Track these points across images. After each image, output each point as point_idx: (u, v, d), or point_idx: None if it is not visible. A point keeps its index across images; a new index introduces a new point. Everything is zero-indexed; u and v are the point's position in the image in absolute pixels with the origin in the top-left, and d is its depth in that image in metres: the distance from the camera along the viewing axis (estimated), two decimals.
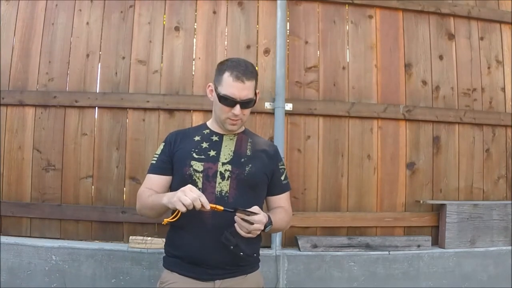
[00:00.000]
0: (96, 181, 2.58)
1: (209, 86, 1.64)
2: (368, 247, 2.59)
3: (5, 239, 2.41)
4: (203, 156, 1.57)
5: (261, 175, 1.60)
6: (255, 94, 1.59)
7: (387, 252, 2.58)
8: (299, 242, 2.54)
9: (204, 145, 1.61)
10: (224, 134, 1.65)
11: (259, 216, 1.40)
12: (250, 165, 1.57)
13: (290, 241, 2.63)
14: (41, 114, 2.59)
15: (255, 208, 1.41)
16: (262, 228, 1.41)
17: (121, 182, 2.58)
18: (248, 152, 1.62)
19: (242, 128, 1.70)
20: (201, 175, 1.53)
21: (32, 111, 2.59)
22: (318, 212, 2.67)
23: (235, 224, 1.40)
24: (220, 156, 1.58)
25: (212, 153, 1.59)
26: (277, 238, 2.51)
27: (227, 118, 1.57)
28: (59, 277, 2.35)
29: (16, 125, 2.58)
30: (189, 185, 1.40)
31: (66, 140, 2.58)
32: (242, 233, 1.40)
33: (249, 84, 1.53)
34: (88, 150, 2.58)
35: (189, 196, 1.34)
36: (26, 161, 2.57)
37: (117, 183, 2.58)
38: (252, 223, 1.38)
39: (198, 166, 1.55)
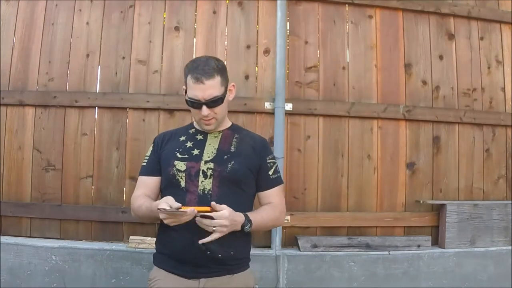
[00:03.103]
0: (96, 181, 2.58)
1: (183, 88, 1.63)
2: (368, 247, 2.59)
3: (5, 239, 2.41)
4: (186, 156, 1.58)
5: (244, 171, 1.57)
6: (225, 88, 1.56)
7: (387, 252, 2.58)
8: (299, 242, 2.54)
9: (188, 144, 1.62)
10: (209, 133, 1.64)
11: (221, 212, 1.39)
12: (232, 162, 1.56)
13: (290, 241, 2.63)
14: (41, 114, 2.59)
15: (221, 206, 1.41)
16: (225, 223, 1.39)
17: (121, 182, 2.58)
18: (232, 149, 1.61)
19: (229, 124, 1.69)
20: (183, 174, 1.54)
21: (32, 111, 2.59)
22: (318, 212, 2.67)
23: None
24: (203, 154, 1.58)
25: (195, 152, 1.59)
26: (277, 238, 2.51)
27: (200, 119, 1.58)
28: (59, 277, 2.35)
29: (16, 125, 2.58)
30: (163, 203, 1.39)
31: (66, 140, 2.58)
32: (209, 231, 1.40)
33: (211, 82, 1.51)
34: (88, 150, 2.58)
35: (167, 220, 1.38)
36: (26, 161, 2.56)
37: (117, 183, 2.58)
38: (213, 218, 1.38)
39: (181, 165, 1.55)
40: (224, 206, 1.41)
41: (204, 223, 1.39)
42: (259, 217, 1.55)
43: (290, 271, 2.47)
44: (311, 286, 2.47)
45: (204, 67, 1.52)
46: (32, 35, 2.63)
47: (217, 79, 1.53)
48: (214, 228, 1.39)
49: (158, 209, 1.35)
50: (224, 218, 1.39)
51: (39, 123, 2.58)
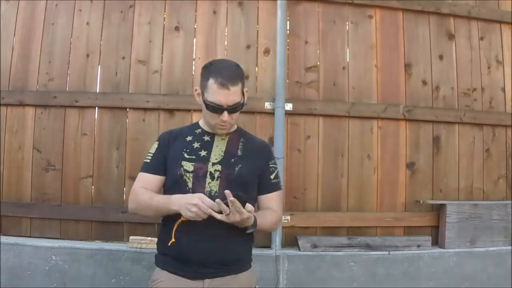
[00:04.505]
0: (96, 181, 2.57)
1: (196, 90, 1.63)
2: (368, 247, 2.58)
3: (5, 239, 2.41)
4: (194, 156, 1.58)
5: (251, 175, 1.60)
6: (243, 94, 1.58)
7: (387, 252, 2.58)
8: (299, 242, 2.54)
9: (196, 145, 1.61)
10: (216, 134, 1.65)
11: (244, 212, 1.39)
12: (240, 165, 1.58)
13: (290, 241, 2.62)
14: (41, 114, 2.58)
15: (249, 208, 1.41)
16: (237, 219, 1.40)
17: (121, 182, 2.58)
18: (239, 152, 1.62)
19: (235, 127, 1.70)
20: (191, 175, 1.54)
21: (32, 111, 2.59)
22: (318, 212, 2.67)
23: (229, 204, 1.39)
24: (211, 156, 1.59)
25: (203, 153, 1.59)
26: (277, 238, 2.51)
27: (216, 123, 1.57)
28: (59, 277, 2.35)
29: (16, 125, 2.58)
30: (195, 197, 1.42)
31: (66, 140, 2.58)
32: (217, 216, 1.40)
33: (235, 89, 1.51)
34: (88, 150, 2.58)
35: (196, 211, 1.39)
36: (26, 161, 2.56)
37: (117, 183, 2.58)
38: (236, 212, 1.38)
39: (188, 166, 1.55)
40: (252, 208, 1.42)
41: (222, 207, 1.39)
42: (263, 222, 1.55)
43: (290, 271, 2.46)
44: (311, 286, 2.47)
45: (229, 72, 1.51)
46: (32, 35, 2.63)
47: (240, 85, 1.54)
48: (227, 214, 1.39)
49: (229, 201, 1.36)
50: (242, 217, 1.40)
51: (39, 123, 2.58)
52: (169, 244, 1.51)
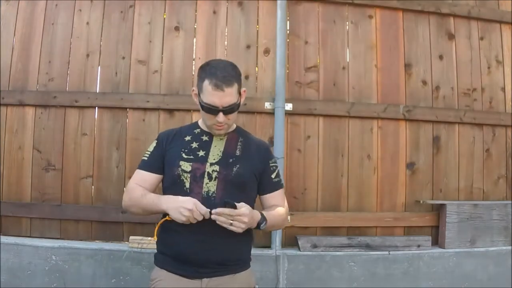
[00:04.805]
0: (96, 181, 2.58)
1: (193, 90, 1.62)
2: (368, 247, 2.59)
3: (5, 239, 2.41)
4: (191, 156, 1.57)
5: (249, 175, 1.59)
6: (240, 94, 1.57)
7: (387, 252, 2.58)
8: (299, 242, 2.54)
9: (194, 145, 1.61)
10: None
11: (242, 209, 1.40)
12: (238, 166, 1.57)
13: (290, 241, 2.63)
14: (41, 114, 2.59)
15: (240, 204, 1.42)
16: (245, 220, 1.41)
17: (121, 182, 2.58)
18: (237, 152, 1.62)
19: (234, 127, 1.70)
20: (188, 175, 1.54)
21: (32, 111, 2.59)
22: (318, 212, 2.67)
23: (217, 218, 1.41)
24: (209, 156, 1.58)
25: (201, 153, 1.59)
26: (277, 238, 2.51)
27: (213, 124, 1.57)
28: (59, 277, 2.35)
29: (16, 125, 2.58)
30: (190, 202, 1.42)
31: (66, 140, 2.58)
32: (225, 225, 1.41)
33: (230, 90, 1.50)
34: (88, 150, 2.58)
35: (189, 216, 1.41)
36: (26, 161, 2.56)
37: (117, 183, 2.58)
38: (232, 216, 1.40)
39: (186, 166, 1.55)
40: (243, 204, 1.43)
41: (220, 220, 1.40)
42: (271, 216, 1.56)
43: (290, 271, 2.47)
44: (311, 286, 2.47)
45: (224, 73, 1.50)
46: (32, 35, 2.63)
47: (235, 86, 1.53)
48: (232, 223, 1.40)
49: (214, 212, 1.39)
50: (245, 215, 1.41)
51: (39, 123, 2.58)
52: (151, 242, 1.52)
